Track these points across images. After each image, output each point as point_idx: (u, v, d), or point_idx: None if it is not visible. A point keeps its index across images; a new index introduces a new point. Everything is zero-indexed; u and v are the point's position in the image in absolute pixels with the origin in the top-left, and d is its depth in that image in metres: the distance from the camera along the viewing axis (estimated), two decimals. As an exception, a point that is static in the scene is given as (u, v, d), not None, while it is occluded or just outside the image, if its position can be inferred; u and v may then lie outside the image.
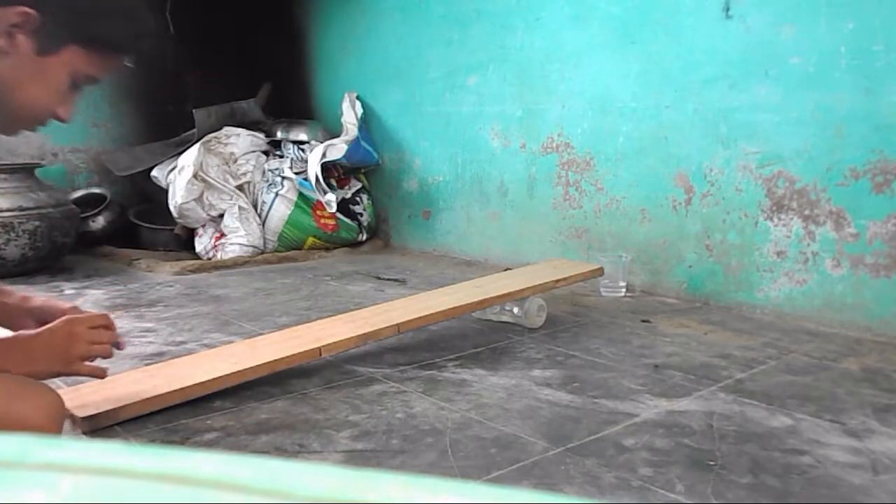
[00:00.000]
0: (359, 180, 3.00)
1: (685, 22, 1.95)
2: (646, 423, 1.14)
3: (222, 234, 2.71)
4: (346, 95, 3.00)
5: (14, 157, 2.91)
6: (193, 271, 2.46)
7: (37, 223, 2.35)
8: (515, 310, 1.71)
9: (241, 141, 2.83)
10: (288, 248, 2.78)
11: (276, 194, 2.74)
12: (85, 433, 1.10)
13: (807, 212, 1.75)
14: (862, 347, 1.57)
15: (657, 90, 2.04)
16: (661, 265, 2.07)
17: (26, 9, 0.82)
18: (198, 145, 2.70)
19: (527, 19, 2.38)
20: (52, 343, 0.98)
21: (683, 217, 2.00)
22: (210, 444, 1.08)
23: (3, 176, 2.36)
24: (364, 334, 1.42)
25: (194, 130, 2.93)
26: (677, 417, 1.16)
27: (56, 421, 0.89)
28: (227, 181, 2.72)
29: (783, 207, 1.79)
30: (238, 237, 2.68)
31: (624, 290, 2.05)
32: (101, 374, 1.05)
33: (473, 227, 2.67)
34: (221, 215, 2.71)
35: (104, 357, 1.05)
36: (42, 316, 1.07)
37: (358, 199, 2.94)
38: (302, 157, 2.85)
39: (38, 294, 1.14)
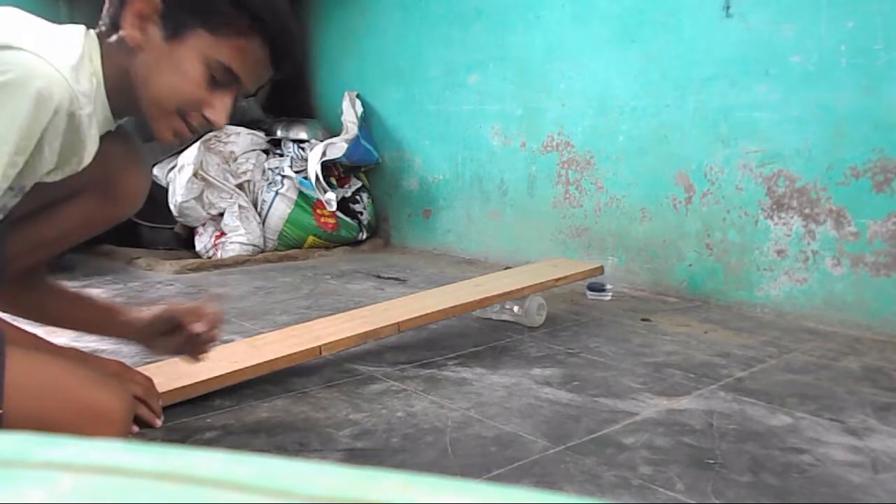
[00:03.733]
0: (359, 179, 3.00)
1: (685, 21, 1.95)
2: (646, 422, 1.14)
3: (222, 233, 2.71)
4: (346, 94, 3.00)
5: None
6: (193, 270, 2.46)
7: (37, 222, 2.34)
8: (515, 308, 1.71)
9: (241, 139, 2.83)
10: (288, 246, 2.78)
11: (276, 193, 2.74)
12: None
13: (807, 210, 1.75)
14: (862, 346, 1.57)
15: (657, 89, 2.04)
16: (662, 264, 2.07)
17: None
18: (198, 144, 2.70)
19: (527, 18, 2.38)
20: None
21: (683, 216, 2.00)
22: (210, 443, 1.08)
23: (3, 174, 2.36)
24: (364, 333, 1.41)
25: (194, 129, 2.92)
26: (677, 416, 1.17)
27: (127, 412, 0.91)
28: (227, 180, 2.72)
29: (783, 206, 1.79)
30: (238, 236, 2.68)
31: (610, 294, 2.03)
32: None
33: (473, 225, 2.67)
34: (221, 214, 2.71)
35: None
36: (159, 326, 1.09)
37: (358, 197, 2.94)
38: (302, 156, 2.85)
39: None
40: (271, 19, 0.87)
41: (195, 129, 0.89)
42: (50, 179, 0.86)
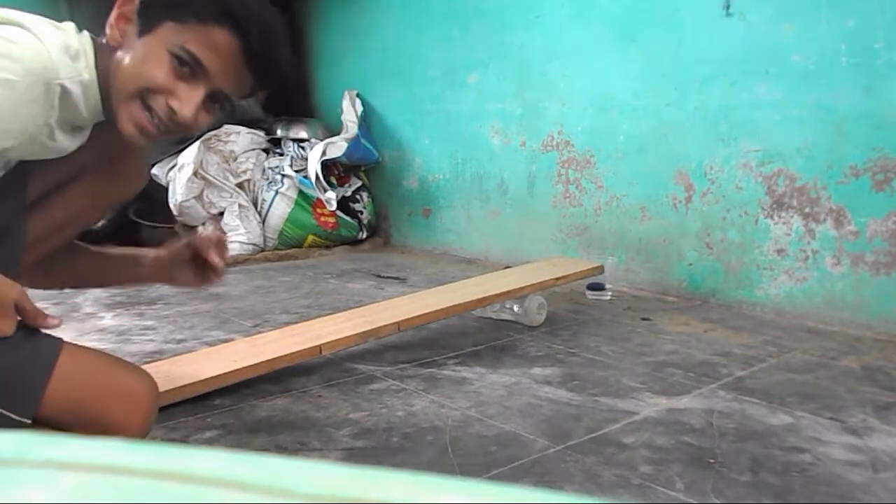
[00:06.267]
0: (359, 178, 3.00)
1: (685, 20, 1.95)
2: (646, 421, 1.14)
3: (222, 232, 2.71)
4: (346, 93, 3.00)
5: (14, 155, 2.90)
6: (193, 269, 2.46)
7: (37, 221, 2.34)
8: (515, 308, 1.71)
9: (241, 139, 2.83)
10: (288, 245, 2.78)
11: (277, 192, 2.74)
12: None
13: (807, 210, 1.75)
14: (862, 345, 1.57)
15: (657, 88, 2.04)
16: (662, 263, 2.07)
17: None
18: (198, 143, 2.70)
19: (527, 17, 2.38)
20: None
21: (684, 215, 2.00)
22: (210, 442, 1.08)
23: (3, 174, 2.36)
24: (364, 332, 1.41)
25: (194, 128, 2.92)
26: (677, 415, 1.16)
27: (153, 392, 0.94)
28: (228, 179, 2.72)
29: (783, 205, 1.79)
30: (238, 235, 2.68)
31: (610, 294, 2.02)
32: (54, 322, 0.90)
33: (473, 225, 2.67)
34: (222, 213, 2.71)
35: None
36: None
37: (358, 196, 2.94)
38: (302, 155, 2.85)
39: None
40: (240, 10, 0.87)
41: (161, 123, 0.87)
42: (53, 154, 0.89)
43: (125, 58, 0.86)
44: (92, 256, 1.13)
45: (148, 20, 0.86)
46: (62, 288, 1.27)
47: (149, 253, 1.12)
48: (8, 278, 0.83)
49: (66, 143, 0.89)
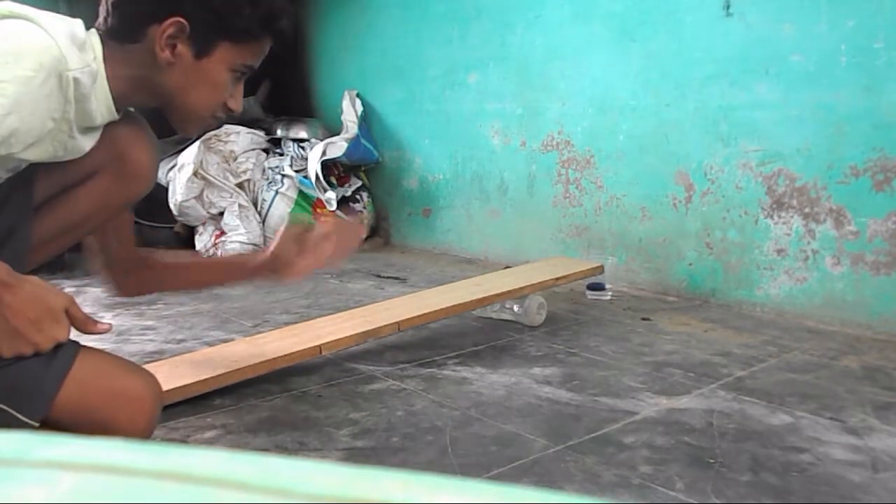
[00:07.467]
0: (359, 178, 3.00)
1: (685, 20, 1.95)
2: (646, 421, 1.14)
3: (222, 232, 2.71)
4: (346, 93, 3.00)
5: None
6: (193, 269, 2.46)
7: (37, 221, 2.34)
8: (515, 308, 1.71)
9: (241, 139, 2.82)
10: (288, 245, 2.77)
11: (277, 192, 2.74)
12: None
13: (807, 210, 1.75)
14: (862, 345, 1.57)
15: (657, 88, 2.04)
16: (662, 263, 2.07)
17: (178, 18, 0.87)
18: (198, 143, 2.70)
19: (527, 17, 2.38)
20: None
21: (684, 215, 2.00)
22: (210, 442, 1.08)
23: (3, 174, 2.36)
24: (364, 332, 1.42)
25: (194, 128, 2.92)
26: (677, 415, 1.17)
27: (157, 396, 0.94)
28: (228, 179, 2.72)
29: (783, 205, 1.79)
30: (238, 235, 2.68)
31: (610, 294, 2.03)
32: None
33: (473, 225, 2.67)
34: (221, 213, 2.71)
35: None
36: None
37: (358, 196, 2.94)
38: (302, 155, 2.85)
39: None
40: (283, 19, 0.96)
41: (217, 120, 1.00)
42: (65, 154, 0.89)
43: (191, 83, 0.93)
44: (193, 269, 1.25)
45: (202, 42, 0.91)
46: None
47: (247, 259, 1.22)
48: (55, 287, 0.84)
49: (84, 142, 0.90)
